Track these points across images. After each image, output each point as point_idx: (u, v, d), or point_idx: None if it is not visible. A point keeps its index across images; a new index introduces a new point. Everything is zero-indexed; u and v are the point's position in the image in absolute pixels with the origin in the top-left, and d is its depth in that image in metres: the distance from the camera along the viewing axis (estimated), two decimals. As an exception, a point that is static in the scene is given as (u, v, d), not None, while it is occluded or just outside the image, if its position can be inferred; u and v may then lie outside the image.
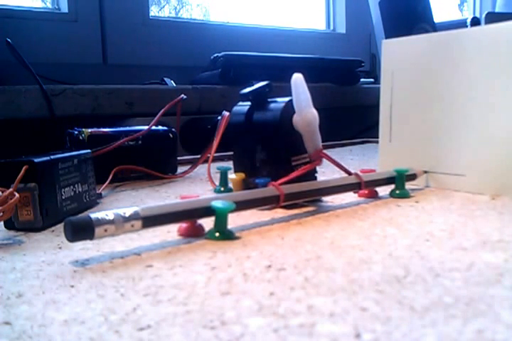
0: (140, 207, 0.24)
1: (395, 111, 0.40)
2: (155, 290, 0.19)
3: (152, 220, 0.24)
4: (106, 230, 0.22)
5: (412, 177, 0.37)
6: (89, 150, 0.35)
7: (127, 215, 0.23)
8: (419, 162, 0.38)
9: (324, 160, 0.33)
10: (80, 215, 0.23)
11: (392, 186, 0.35)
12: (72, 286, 0.20)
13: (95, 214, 0.22)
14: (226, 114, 0.39)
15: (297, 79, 0.32)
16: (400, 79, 0.39)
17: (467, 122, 0.35)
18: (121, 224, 0.23)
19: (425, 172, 0.38)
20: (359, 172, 0.34)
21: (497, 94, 0.34)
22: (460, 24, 0.85)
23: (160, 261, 0.23)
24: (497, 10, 1.08)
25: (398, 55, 0.37)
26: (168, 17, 0.96)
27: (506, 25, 0.33)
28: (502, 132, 0.33)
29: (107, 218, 0.22)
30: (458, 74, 0.35)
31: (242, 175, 0.35)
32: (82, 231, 0.22)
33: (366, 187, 0.34)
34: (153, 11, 0.92)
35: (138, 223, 0.23)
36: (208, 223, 0.26)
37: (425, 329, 0.15)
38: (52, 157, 0.30)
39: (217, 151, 0.40)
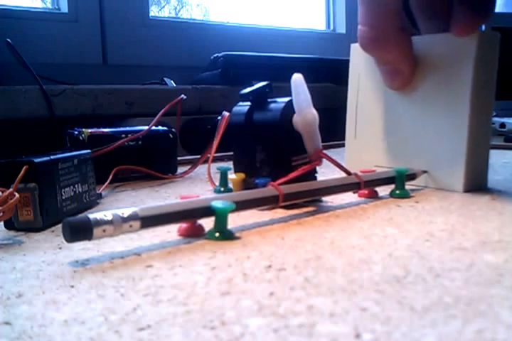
0: (139, 208, 0.24)
1: (360, 111, 0.43)
2: (155, 290, 0.19)
3: (151, 220, 0.24)
4: (104, 231, 0.22)
5: (412, 177, 0.37)
6: (89, 151, 0.35)
7: (126, 216, 0.23)
8: (381, 157, 0.41)
9: (324, 160, 0.33)
10: (78, 216, 0.23)
11: (392, 186, 0.36)
12: (72, 286, 0.20)
13: (93, 215, 0.22)
14: (226, 114, 0.39)
15: (297, 79, 0.32)
16: (365, 81, 0.42)
17: (423, 121, 0.38)
18: (119, 224, 0.23)
19: (424, 172, 0.38)
20: (358, 173, 0.34)
21: (450, 95, 0.36)
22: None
23: (160, 261, 0.23)
24: (497, 10, 1.08)
25: (364, 59, 0.38)
26: (168, 17, 0.96)
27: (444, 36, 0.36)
28: (457, 131, 0.36)
29: (106, 218, 0.22)
30: (417, 75, 0.38)
31: (242, 175, 0.35)
32: (80, 231, 0.22)
33: (366, 187, 0.34)
34: (153, 11, 0.92)
35: (136, 223, 0.23)
36: (208, 223, 0.26)
37: (425, 329, 0.15)
38: (52, 157, 0.30)
39: (217, 151, 0.40)
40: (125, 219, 0.23)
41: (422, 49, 0.37)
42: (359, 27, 0.35)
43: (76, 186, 0.32)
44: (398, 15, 0.34)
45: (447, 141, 0.36)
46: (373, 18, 0.34)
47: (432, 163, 0.38)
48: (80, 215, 0.25)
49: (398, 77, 0.38)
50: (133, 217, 0.23)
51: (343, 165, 0.34)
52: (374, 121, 0.42)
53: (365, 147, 0.43)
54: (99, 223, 0.22)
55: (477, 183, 0.37)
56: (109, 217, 0.22)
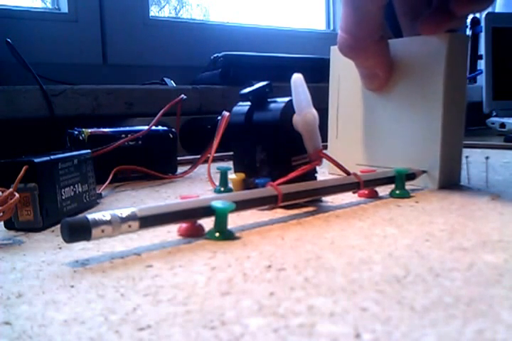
0: (137, 208, 0.24)
1: (341, 111, 0.45)
2: (155, 290, 0.19)
3: (150, 221, 0.24)
4: (103, 231, 0.22)
5: (412, 177, 0.37)
6: (89, 151, 0.35)
7: (124, 216, 0.23)
8: (362, 156, 0.43)
9: (324, 160, 0.33)
10: (77, 216, 0.23)
11: (392, 186, 0.36)
12: (72, 286, 0.20)
13: (92, 215, 0.22)
14: (226, 114, 0.39)
15: (297, 79, 0.32)
16: (345, 82, 0.44)
17: (400, 120, 0.39)
18: (118, 224, 0.23)
19: (424, 172, 0.38)
20: (358, 172, 0.34)
21: (424, 96, 0.37)
22: (460, 24, 0.85)
23: (160, 261, 0.23)
24: (497, 10, 1.08)
25: (344, 61, 0.39)
26: (168, 17, 0.96)
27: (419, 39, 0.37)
28: (432, 130, 0.37)
29: (104, 219, 0.22)
30: (394, 77, 0.39)
31: (242, 175, 0.35)
32: (79, 232, 0.22)
33: (365, 187, 0.34)
34: (153, 11, 0.92)
35: (135, 224, 0.23)
36: (208, 223, 0.26)
37: (425, 329, 0.15)
38: (52, 157, 0.30)
39: (217, 151, 0.40)
40: (124, 220, 0.23)
41: (397, 51, 0.39)
42: (340, 33, 0.36)
43: (76, 186, 0.32)
44: (379, 26, 0.35)
45: (422, 139, 0.38)
46: (355, 27, 0.35)
47: (409, 161, 0.38)
48: (79, 215, 0.25)
49: (375, 80, 0.40)
50: (132, 217, 0.23)
51: (343, 165, 0.34)
52: (354, 120, 0.43)
53: (346, 146, 0.44)
54: (98, 223, 0.22)
55: (451, 180, 0.38)
56: (108, 218, 0.22)
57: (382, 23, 0.36)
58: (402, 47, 0.39)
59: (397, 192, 0.35)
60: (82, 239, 0.22)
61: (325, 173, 0.44)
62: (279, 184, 0.30)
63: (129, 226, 0.23)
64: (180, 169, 0.50)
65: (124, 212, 0.23)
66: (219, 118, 0.40)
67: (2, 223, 0.29)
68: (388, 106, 0.40)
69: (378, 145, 0.41)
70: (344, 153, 0.44)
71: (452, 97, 0.37)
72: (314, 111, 0.32)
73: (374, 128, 0.41)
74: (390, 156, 0.40)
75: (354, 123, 0.43)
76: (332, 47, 0.44)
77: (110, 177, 0.42)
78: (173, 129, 0.50)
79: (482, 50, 0.97)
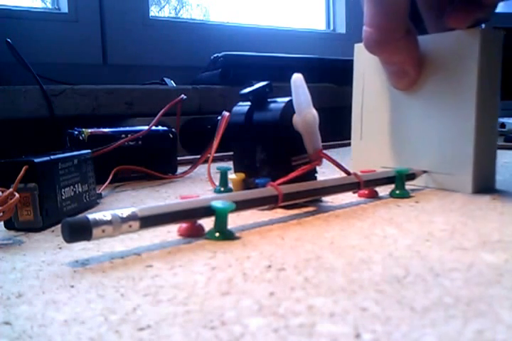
0: (138, 208, 0.24)
1: (365, 111, 0.43)
2: (155, 290, 0.19)
3: (150, 221, 0.24)
4: (103, 231, 0.22)
5: (411, 177, 0.37)
6: (89, 151, 0.35)
7: (125, 216, 0.23)
8: (388, 158, 0.41)
9: (324, 160, 0.33)
10: (78, 216, 0.23)
11: (392, 186, 0.35)
12: (72, 286, 0.20)
13: (92, 215, 0.22)
14: (226, 114, 0.39)
15: (297, 79, 0.32)
16: (370, 81, 0.42)
17: (429, 121, 0.38)
18: (118, 224, 0.23)
19: (424, 172, 0.38)
20: (358, 172, 0.34)
21: (455, 95, 0.36)
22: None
23: (160, 261, 0.23)
24: (497, 10, 1.08)
25: (368, 58, 0.38)
26: (168, 17, 0.96)
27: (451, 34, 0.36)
28: (464, 131, 0.35)
29: (105, 219, 0.22)
30: (422, 75, 0.37)
31: (242, 175, 0.35)
32: (80, 232, 0.22)
33: (366, 187, 0.34)
34: (153, 11, 0.92)
35: (136, 224, 0.23)
36: (208, 223, 0.26)
37: (425, 329, 0.15)
38: (52, 157, 0.30)
39: (217, 151, 0.40)
40: (124, 220, 0.23)
41: (426, 48, 0.37)
42: (364, 28, 0.34)
43: (76, 186, 0.32)
44: (407, 16, 0.33)
45: (454, 141, 0.36)
46: (381, 19, 0.33)
47: (438, 163, 0.37)
48: (79, 215, 0.25)
49: (404, 77, 0.37)
50: (132, 217, 0.23)
51: (344, 165, 0.34)
52: (380, 121, 0.41)
53: (371, 148, 0.42)
54: (98, 223, 0.22)
55: (485, 184, 0.36)
56: (108, 218, 0.22)
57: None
58: (430, 44, 0.37)
59: (397, 192, 0.35)
60: (82, 239, 0.22)
61: (325, 173, 0.44)
62: (279, 184, 0.30)
63: (130, 226, 0.23)
64: (180, 169, 0.50)
65: (125, 212, 0.23)
66: (219, 118, 0.40)
67: (2, 223, 0.29)
68: (417, 105, 0.38)
69: (405, 147, 0.39)
70: (369, 155, 0.42)
71: (485, 96, 0.35)
72: (314, 112, 0.32)
73: (401, 129, 0.40)
74: (417, 159, 0.38)
75: (380, 123, 0.41)
76: (356, 45, 0.42)
77: (110, 177, 0.42)
78: (173, 129, 0.50)
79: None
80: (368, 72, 0.42)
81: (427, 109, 0.37)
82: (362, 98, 0.43)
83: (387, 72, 0.38)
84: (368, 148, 0.43)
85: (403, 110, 0.39)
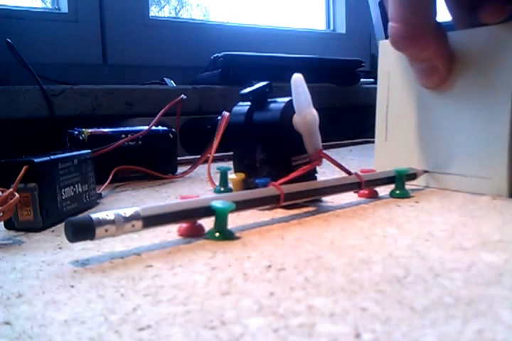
0: (140, 207, 0.24)
1: (391, 111, 0.41)
2: (155, 290, 0.19)
3: (153, 220, 0.24)
4: (106, 230, 0.22)
5: (412, 177, 0.37)
6: (89, 151, 0.35)
7: (128, 215, 0.23)
8: (415, 161, 0.39)
9: (324, 160, 0.33)
10: (81, 215, 0.23)
11: (392, 186, 0.35)
12: (72, 286, 0.20)
13: (96, 215, 0.22)
14: (226, 114, 0.39)
15: (297, 79, 0.32)
16: (396, 79, 0.40)
17: (459, 121, 0.36)
18: (121, 224, 0.23)
19: (425, 172, 0.38)
20: (359, 172, 0.34)
21: (489, 94, 0.34)
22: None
23: (160, 261, 0.23)
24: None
25: (394, 55, 0.37)
26: (168, 17, 0.96)
27: (484, 30, 0.34)
28: (498, 132, 0.34)
29: (108, 218, 0.22)
30: (453, 73, 0.36)
31: (242, 175, 0.35)
32: (83, 231, 0.22)
33: (366, 187, 0.34)
34: (153, 11, 0.92)
35: (138, 223, 0.23)
36: (208, 223, 0.26)
37: (425, 329, 0.15)
38: (52, 157, 0.30)
39: (217, 151, 0.40)
40: (127, 219, 0.23)
41: (457, 45, 0.35)
42: (390, 24, 0.32)
43: (76, 186, 0.32)
44: (434, 9, 0.32)
45: (486, 142, 0.34)
46: (407, 12, 0.31)
47: (469, 166, 0.35)
48: (82, 215, 0.25)
49: (434, 75, 0.35)
50: (135, 217, 0.23)
51: (344, 165, 0.34)
52: (406, 122, 0.39)
53: (396, 150, 0.40)
54: (102, 223, 0.22)
55: None
56: (112, 217, 0.23)
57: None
58: (461, 40, 0.35)
59: (397, 192, 0.35)
60: (86, 239, 0.22)
61: (325, 173, 0.44)
62: (280, 184, 0.30)
63: (133, 225, 0.23)
64: (180, 169, 0.50)
65: (128, 212, 0.23)
66: (219, 118, 0.40)
67: (2, 223, 0.29)
68: (446, 105, 0.36)
69: (434, 149, 0.37)
70: (394, 158, 0.40)
71: None
72: (314, 112, 0.32)
73: (429, 130, 0.38)
74: (447, 161, 0.37)
75: (406, 124, 0.39)
76: (381, 42, 0.41)
77: (110, 177, 0.42)
78: (173, 129, 0.50)
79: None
80: (393, 70, 0.40)
81: (457, 110, 0.36)
82: (387, 98, 0.41)
83: (415, 70, 0.36)
84: (394, 150, 0.40)
85: (432, 110, 0.37)
